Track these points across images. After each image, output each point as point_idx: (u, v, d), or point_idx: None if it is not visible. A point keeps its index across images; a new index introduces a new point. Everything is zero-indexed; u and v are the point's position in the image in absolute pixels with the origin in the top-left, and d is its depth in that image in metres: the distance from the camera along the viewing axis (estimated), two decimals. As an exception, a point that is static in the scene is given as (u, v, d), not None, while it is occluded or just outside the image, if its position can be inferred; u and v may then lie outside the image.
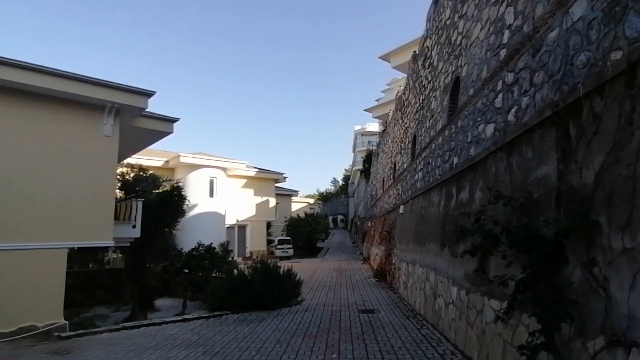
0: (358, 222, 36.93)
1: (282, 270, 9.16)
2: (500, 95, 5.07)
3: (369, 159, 31.48)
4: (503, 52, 5.05)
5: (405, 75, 25.35)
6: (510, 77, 4.79)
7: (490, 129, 5.36)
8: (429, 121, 9.56)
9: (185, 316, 7.60)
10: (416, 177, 10.63)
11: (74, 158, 7.03)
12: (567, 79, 3.40)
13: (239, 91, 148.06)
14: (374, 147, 29.93)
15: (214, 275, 12.76)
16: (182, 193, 14.41)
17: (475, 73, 6.19)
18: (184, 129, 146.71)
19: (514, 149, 4.18)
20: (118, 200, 9.63)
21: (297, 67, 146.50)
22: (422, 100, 10.62)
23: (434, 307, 6.43)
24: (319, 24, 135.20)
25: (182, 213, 14.20)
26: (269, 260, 9.29)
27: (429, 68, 9.97)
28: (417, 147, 11.17)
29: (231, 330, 6.41)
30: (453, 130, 7.20)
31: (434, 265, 6.92)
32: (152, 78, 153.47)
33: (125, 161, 15.45)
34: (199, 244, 14.24)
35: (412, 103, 12.37)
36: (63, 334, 6.68)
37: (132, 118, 8.29)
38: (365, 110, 36.27)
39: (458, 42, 7.25)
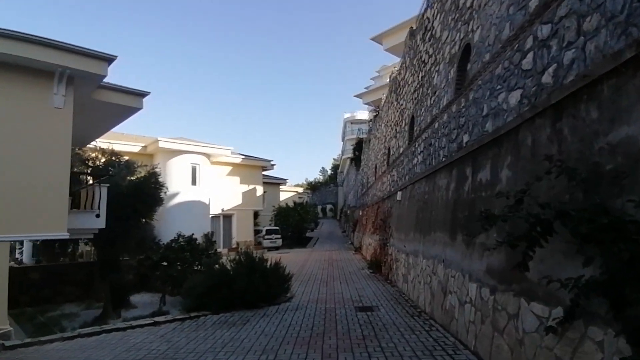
0: (348, 212, 36.23)
1: (269, 263, 8.21)
2: (530, 55, 4.15)
3: (359, 146, 30.56)
4: (533, 3, 4.12)
5: (398, 58, 24.37)
6: (545, 31, 3.86)
7: (515, 96, 4.46)
8: (430, 99, 8.64)
9: (157, 319, 6.59)
10: (415, 161, 9.75)
11: (16, 134, 5.83)
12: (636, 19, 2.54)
13: (223, 79, 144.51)
14: (365, 135, 29.00)
15: (196, 268, 11.76)
16: (160, 179, 13.22)
17: (493, 35, 5.25)
18: (167, 117, 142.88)
19: (564, 111, 3.26)
20: (79, 187, 8.45)
21: (285, 55, 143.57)
22: (422, 77, 9.68)
23: (444, 306, 5.58)
24: (307, 9, 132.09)
25: (159, 201, 13.04)
26: (255, 253, 8.31)
27: (429, 41, 9.00)
28: (415, 128, 10.27)
29: (209, 336, 5.44)
30: (462, 105, 6.30)
31: (442, 256, 6.07)
32: (139, 65, 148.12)
33: (96, 145, 14.13)
34: (179, 235, 13.16)
35: (410, 82, 11.41)
36: (7, 343, 5.61)
37: (91, 89, 7.08)
38: (355, 96, 35.22)
39: (468, 5, 6.30)
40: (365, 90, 34.41)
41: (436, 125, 7.94)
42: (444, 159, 7.14)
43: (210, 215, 21.79)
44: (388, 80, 28.47)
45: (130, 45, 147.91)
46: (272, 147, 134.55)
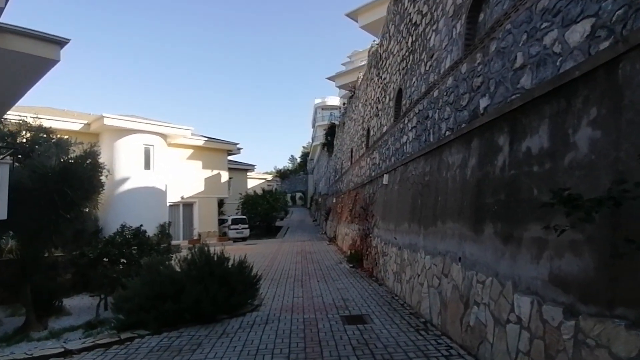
0: (319, 199, 34.90)
1: (232, 261, 6.51)
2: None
3: (332, 131, 29.04)
4: None
5: (373, 37, 22.88)
6: None
7: (578, 30, 3.05)
8: (425, 65, 7.22)
9: (69, 345, 4.72)
10: (404, 139, 8.35)
11: None
12: None
13: (185, 57, 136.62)
14: (338, 121, 27.52)
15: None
16: (99, 160, 10.93)
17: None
18: (126, 101, 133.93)
19: None
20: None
21: (251, 34, 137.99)
22: (412, 43, 8.24)
23: (466, 321, 4.20)
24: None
25: (97, 187, 10.80)
26: (213, 249, 6.55)
27: (423, -2, 7.53)
28: (403, 102, 8.86)
29: (139, 376, 3.72)
30: (478, 62, 4.90)
31: (456, 253, 4.67)
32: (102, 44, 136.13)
33: (22, 119, 11.56)
34: (124, 226, 11.02)
35: (395, 52, 9.94)
36: None
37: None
38: (328, 78, 33.41)
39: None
40: (340, 71, 32.71)
41: (435, 93, 6.53)
42: (447, 133, 5.76)
43: (168, 204, 19.47)
44: (361, 64, 27.12)
45: (92, 26, 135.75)
46: (239, 135, 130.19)
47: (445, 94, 6.08)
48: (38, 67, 6.71)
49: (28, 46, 6.14)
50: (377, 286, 7.98)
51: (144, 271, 5.83)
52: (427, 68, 7.13)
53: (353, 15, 23.54)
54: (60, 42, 6.34)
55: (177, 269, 6.18)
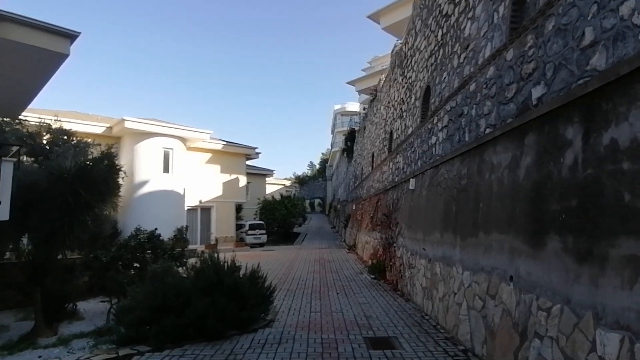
0: (338, 206, 34.17)
1: (244, 270, 5.94)
2: None
3: (352, 136, 28.41)
4: None
5: (395, 39, 22.21)
6: None
7: None
8: (459, 57, 6.55)
9: (61, 362, 4.23)
10: (433, 140, 7.62)
11: None
12: None
13: (205, 61, 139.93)
14: (358, 126, 26.89)
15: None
16: (116, 162, 10.68)
17: None
18: (147, 101, 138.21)
19: None
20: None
21: (272, 45, 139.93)
22: (442, 36, 7.59)
23: (523, 356, 3.40)
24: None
25: (115, 189, 10.52)
26: (223, 256, 5.99)
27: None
28: (432, 100, 8.17)
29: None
30: (529, 45, 4.20)
31: (507, 271, 3.90)
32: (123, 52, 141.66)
33: (42, 121, 11.57)
34: (138, 230, 10.69)
35: (422, 48, 9.27)
36: None
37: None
38: (348, 83, 32.80)
39: None
40: (360, 76, 32.10)
41: (472, 87, 5.82)
42: (488, 130, 5.03)
43: (186, 208, 19.27)
44: (381, 68, 26.42)
45: (118, 34, 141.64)
46: (258, 141, 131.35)
47: (484, 86, 5.36)
48: (48, 62, 6.44)
49: (37, 39, 5.87)
50: (403, 302, 7.20)
51: (148, 279, 5.31)
52: (461, 60, 6.45)
53: (375, 17, 22.98)
54: (71, 36, 6.04)
55: (187, 274, 5.66)
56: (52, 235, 9.43)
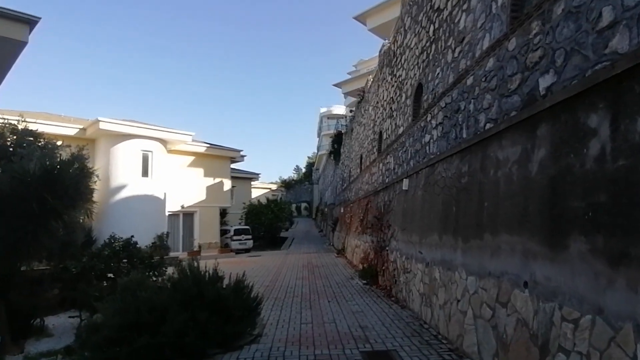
0: (325, 209, 33.75)
1: (228, 280, 5.40)
2: None
3: (339, 138, 28.06)
4: None
5: (382, 40, 22.06)
6: None
7: None
8: (454, 52, 6.29)
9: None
10: (427, 138, 7.31)
11: None
12: None
13: (186, 66, 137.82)
14: (344, 129, 26.60)
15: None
16: (87, 165, 9.93)
17: None
18: (127, 105, 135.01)
19: None
20: None
21: (256, 47, 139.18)
22: (434, 31, 7.34)
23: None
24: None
25: (85, 194, 9.75)
26: (204, 265, 5.43)
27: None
28: (424, 97, 7.88)
29: None
30: (535, 32, 3.90)
31: (521, 276, 3.53)
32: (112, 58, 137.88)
33: (5, 121, 10.67)
34: (112, 237, 9.97)
35: (413, 45, 9.00)
36: None
37: None
38: (334, 85, 32.55)
39: None
40: (347, 78, 31.88)
41: (469, 81, 5.51)
42: (488, 125, 4.73)
43: (167, 213, 18.45)
44: (367, 71, 26.27)
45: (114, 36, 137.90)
46: (243, 146, 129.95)
47: (483, 79, 5.05)
48: (4, 51, 5.77)
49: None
50: (398, 309, 6.79)
51: (118, 293, 4.73)
52: (456, 55, 6.15)
53: (361, 19, 22.79)
54: (29, 21, 5.41)
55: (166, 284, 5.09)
56: (15, 244, 8.63)
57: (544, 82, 3.69)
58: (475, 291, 4.33)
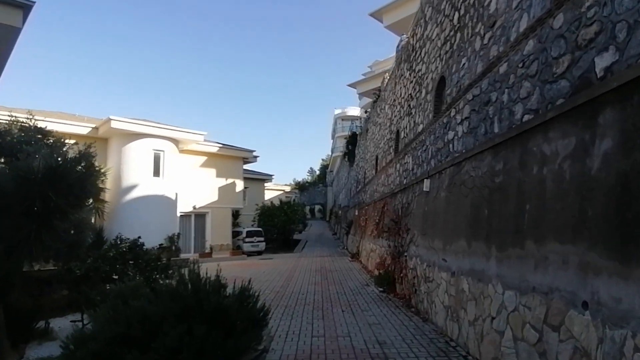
0: (339, 212, 33.15)
1: (232, 288, 4.91)
2: None
3: (353, 139, 27.45)
4: None
5: (398, 37, 21.40)
6: None
7: None
8: (483, 39, 5.66)
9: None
10: (451, 135, 6.69)
11: None
12: None
13: (201, 67, 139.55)
14: (359, 130, 26.00)
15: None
16: (94, 163, 9.67)
17: None
18: (141, 106, 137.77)
19: None
20: None
21: (271, 48, 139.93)
22: (459, 18, 6.73)
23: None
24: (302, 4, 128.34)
25: (90, 192, 9.47)
26: (205, 269, 4.94)
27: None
28: (447, 91, 7.26)
29: None
30: (589, 4, 3.29)
31: (578, 294, 2.89)
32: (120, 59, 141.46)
33: (12, 116, 10.55)
34: (118, 238, 9.64)
35: (434, 37, 8.39)
36: None
37: None
38: (349, 85, 31.96)
39: None
40: (362, 79, 31.27)
41: (502, 69, 4.90)
42: (527, 117, 4.11)
43: (179, 214, 18.23)
44: (383, 70, 25.61)
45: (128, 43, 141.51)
46: (257, 147, 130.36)
47: (520, 65, 4.43)
48: None
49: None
50: (420, 322, 6.16)
51: (110, 301, 4.28)
52: (486, 42, 5.52)
53: (377, 15, 22.17)
54: (23, 5, 5.07)
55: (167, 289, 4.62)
56: (17, 244, 8.39)
57: (602, 61, 3.07)
58: (515, 308, 3.69)
